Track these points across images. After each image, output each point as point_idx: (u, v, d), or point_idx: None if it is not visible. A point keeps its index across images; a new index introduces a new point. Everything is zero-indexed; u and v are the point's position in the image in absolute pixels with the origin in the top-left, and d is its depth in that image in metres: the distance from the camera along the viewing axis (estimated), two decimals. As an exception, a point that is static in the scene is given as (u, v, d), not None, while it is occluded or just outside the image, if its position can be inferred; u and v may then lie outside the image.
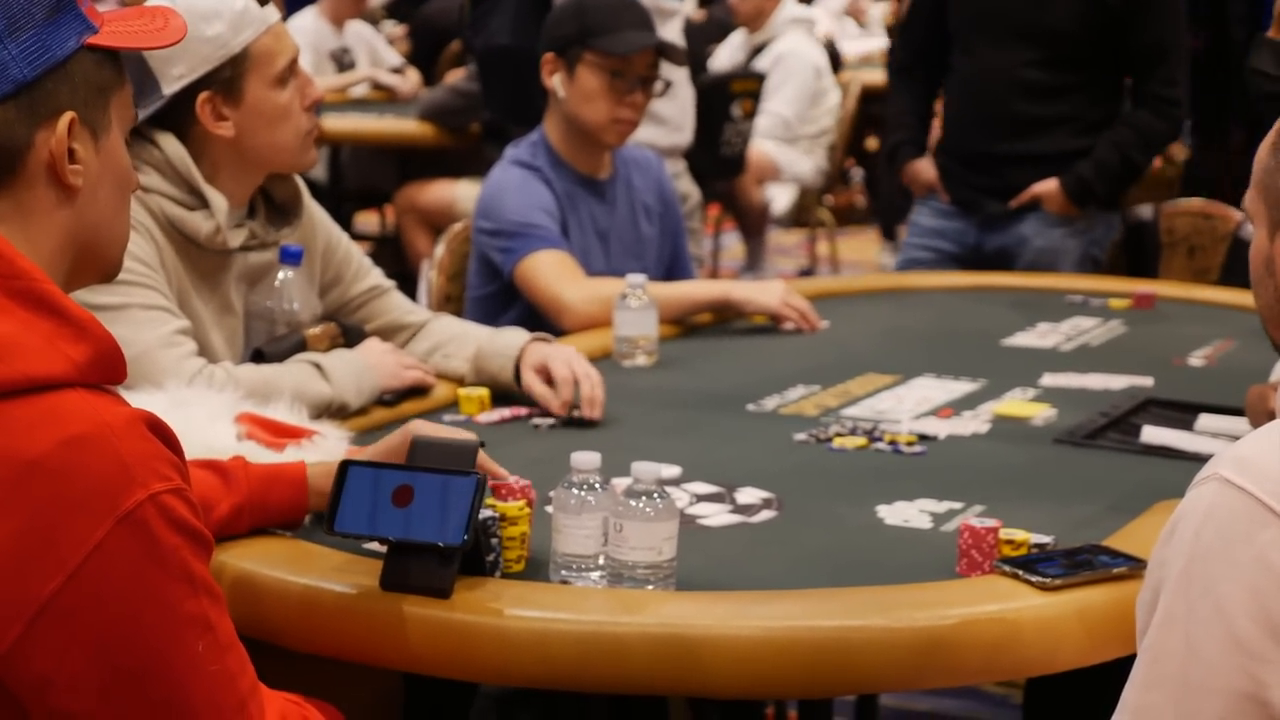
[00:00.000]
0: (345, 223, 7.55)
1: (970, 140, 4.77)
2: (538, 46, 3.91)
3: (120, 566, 1.66)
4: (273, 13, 2.88)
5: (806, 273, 8.69)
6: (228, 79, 2.82)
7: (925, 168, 4.88)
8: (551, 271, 3.71)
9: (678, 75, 4.52)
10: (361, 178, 7.58)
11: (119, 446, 1.68)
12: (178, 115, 2.85)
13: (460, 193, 6.55)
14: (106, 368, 1.75)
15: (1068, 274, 4.58)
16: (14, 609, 1.64)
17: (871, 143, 10.23)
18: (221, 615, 1.76)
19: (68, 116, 1.79)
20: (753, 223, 8.18)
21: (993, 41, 4.67)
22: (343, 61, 8.15)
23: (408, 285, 4.92)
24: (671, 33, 5.31)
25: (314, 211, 3.09)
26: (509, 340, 3.10)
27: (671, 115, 5.46)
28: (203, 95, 2.82)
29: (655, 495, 2.15)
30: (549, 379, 3.02)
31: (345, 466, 2.14)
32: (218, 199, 2.85)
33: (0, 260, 1.72)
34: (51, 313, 1.72)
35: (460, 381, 3.13)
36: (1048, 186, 4.63)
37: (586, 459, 2.23)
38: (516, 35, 5.26)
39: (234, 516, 2.28)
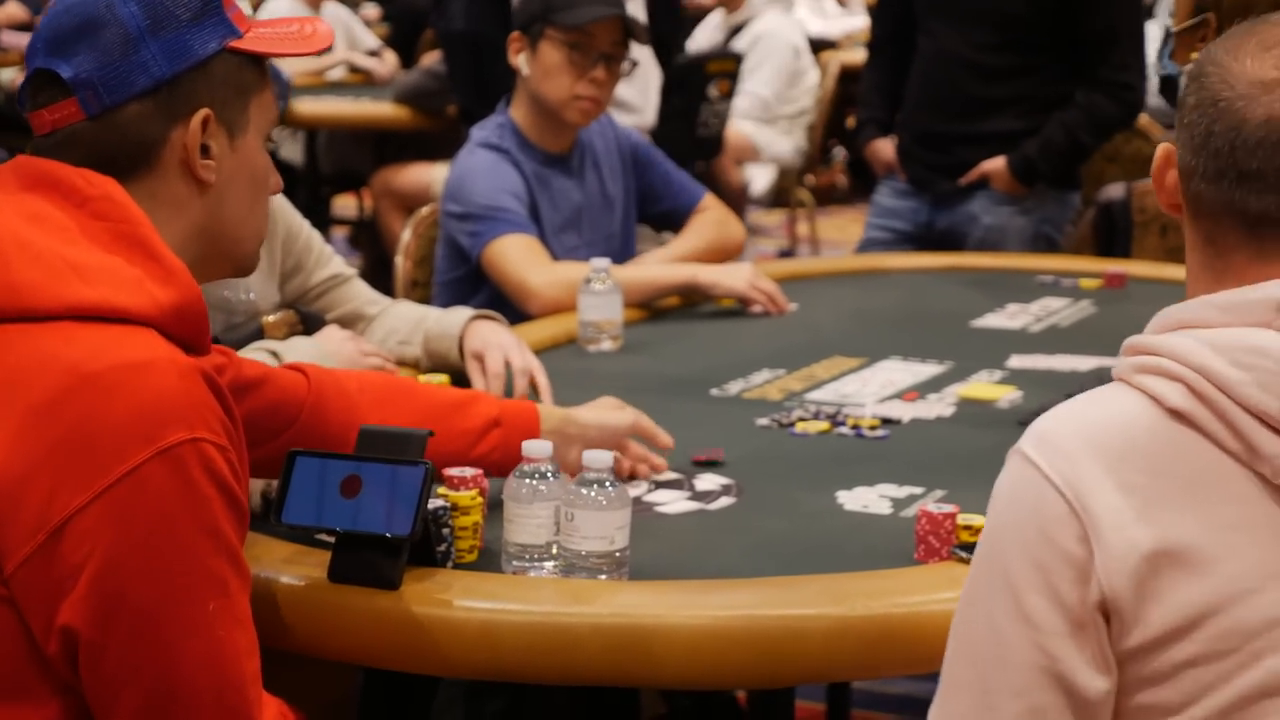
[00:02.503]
0: (323, 207, 7.53)
1: (925, 119, 4.82)
2: (490, 31, 3.88)
3: (148, 497, 1.69)
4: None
5: (786, 253, 8.66)
6: None
7: (885, 147, 4.93)
8: (517, 256, 3.68)
9: (639, 56, 4.49)
10: (338, 161, 7.54)
11: (174, 383, 1.72)
12: None
13: (437, 176, 6.51)
14: (188, 322, 1.80)
15: (1019, 253, 4.59)
16: (41, 517, 1.67)
17: (853, 121, 10.22)
18: (242, 592, 1.77)
19: (202, 113, 1.87)
20: (732, 203, 8.12)
21: (948, 23, 4.70)
22: (319, 44, 8.09)
23: (385, 269, 4.90)
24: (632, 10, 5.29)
25: (274, 200, 3.05)
26: (452, 320, 3.08)
27: (630, 97, 5.43)
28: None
29: (607, 484, 2.13)
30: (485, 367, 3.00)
31: (293, 456, 2.11)
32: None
33: (115, 206, 1.81)
34: (146, 255, 1.79)
35: (417, 367, 3.10)
36: (995, 165, 4.66)
37: (538, 447, 2.20)
38: (471, 20, 5.23)
39: (489, 426, 2.33)
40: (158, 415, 1.69)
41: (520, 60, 3.82)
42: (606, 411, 2.52)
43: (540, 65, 3.78)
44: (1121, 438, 1.60)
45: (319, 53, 2.01)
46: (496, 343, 3.01)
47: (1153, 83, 4.75)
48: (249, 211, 1.96)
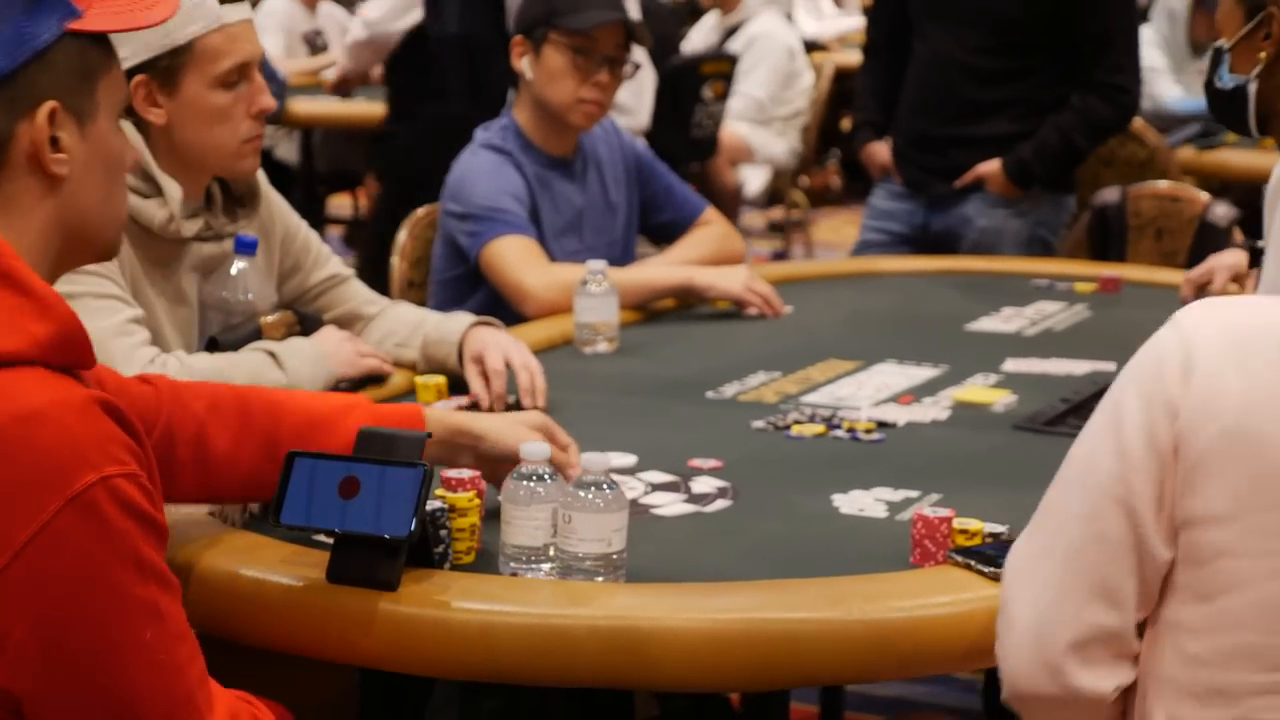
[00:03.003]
0: (318, 206, 7.53)
1: (920, 122, 4.81)
2: (484, 34, 3.87)
3: (68, 548, 1.64)
4: (235, 12, 2.80)
5: (780, 255, 8.67)
6: (165, 68, 2.78)
7: (880, 150, 4.92)
8: (515, 257, 3.69)
9: (636, 57, 4.51)
10: (333, 160, 7.56)
11: (72, 426, 1.66)
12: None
13: (431, 176, 6.52)
14: (70, 349, 1.73)
15: (1013, 255, 4.59)
16: None
17: (847, 123, 10.23)
18: (173, 605, 1.74)
19: (48, 106, 1.77)
20: (726, 205, 8.14)
21: (943, 26, 4.70)
22: (315, 44, 8.11)
23: (379, 268, 4.90)
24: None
25: (273, 200, 3.06)
26: (452, 326, 3.08)
27: (624, 100, 5.42)
28: (138, 78, 2.78)
29: (604, 486, 2.13)
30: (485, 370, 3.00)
31: (291, 457, 2.11)
32: (172, 187, 2.82)
33: None
34: (16, 289, 1.70)
35: (414, 369, 3.11)
36: (990, 167, 4.66)
37: (536, 449, 2.21)
38: (465, 24, 5.22)
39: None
40: (61, 464, 1.64)
41: (523, 64, 3.82)
42: (517, 428, 2.36)
43: (544, 69, 3.78)
44: (1263, 327, 1.77)
45: (161, 22, 1.89)
46: (495, 343, 3.01)
47: (1150, 86, 4.77)
48: (106, 198, 1.86)
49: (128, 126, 2.81)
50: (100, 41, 1.83)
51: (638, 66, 3.94)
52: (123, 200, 1.91)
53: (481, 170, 3.81)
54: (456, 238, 3.81)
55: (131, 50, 2.77)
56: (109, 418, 1.70)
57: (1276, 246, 2.74)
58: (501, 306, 3.64)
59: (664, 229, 4.11)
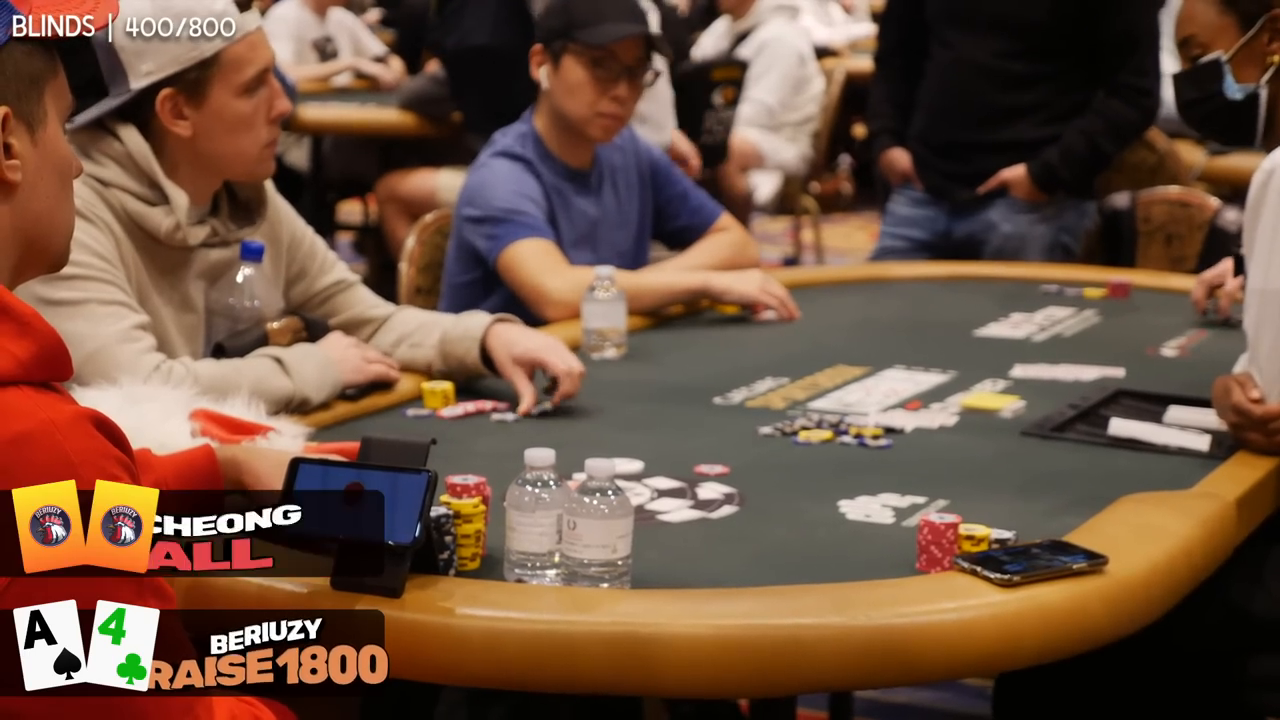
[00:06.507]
0: (328, 212, 7.54)
1: (942, 128, 4.79)
2: (513, 45, 3.86)
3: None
4: (252, 20, 2.84)
5: (791, 261, 8.66)
6: (194, 80, 2.80)
7: (900, 156, 4.89)
8: (534, 261, 3.68)
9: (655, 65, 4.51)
10: (344, 167, 7.55)
11: (64, 444, 1.66)
12: (142, 109, 2.83)
13: (442, 182, 6.52)
14: (51, 364, 1.73)
15: (1037, 261, 4.59)
16: None
17: (859, 130, 10.22)
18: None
19: (1, 111, 1.75)
20: (737, 211, 8.13)
21: (965, 31, 4.68)
22: (325, 50, 8.11)
23: (390, 274, 4.90)
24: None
25: (279, 206, 3.07)
26: (473, 323, 3.09)
27: (652, 113, 5.42)
28: (165, 92, 2.80)
29: (609, 492, 2.13)
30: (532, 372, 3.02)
31: (296, 464, 2.11)
32: (178, 195, 2.83)
33: None
34: None
35: (428, 370, 3.10)
36: (1015, 173, 4.64)
37: (540, 455, 2.20)
38: (496, 34, 5.21)
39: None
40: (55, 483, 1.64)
41: (542, 74, 3.82)
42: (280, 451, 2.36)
43: (563, 81, 3.78)
44: None
45: (102, 27, 1.84)
46: (546, 344, 3.04)
47: (1161, 91, 4.76)
48: (58, 205, 1.85)
49: (134, 135, 2.82)
50: (45, 48, 1.81)
51: (658, 74, 3.93)
52: (72, 209, 1.89)
53: (499, 174, 3.81)
54: (474, 242, 3.80)
55: (157, 64, 2.79)
56: (99, 432, 1.70)
57: (1259, 254, 2.74)
58: (518, 309, 3.63)
59: (679, 234, 4.10)
